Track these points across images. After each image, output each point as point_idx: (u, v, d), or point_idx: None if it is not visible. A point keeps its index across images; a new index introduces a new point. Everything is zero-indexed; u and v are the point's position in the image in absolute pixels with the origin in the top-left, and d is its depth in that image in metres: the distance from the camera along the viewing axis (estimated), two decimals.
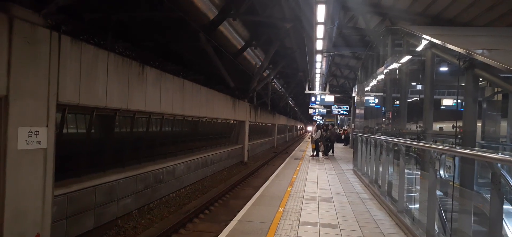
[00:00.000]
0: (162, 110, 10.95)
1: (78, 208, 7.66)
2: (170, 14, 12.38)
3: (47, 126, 6.20)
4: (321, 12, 8.08)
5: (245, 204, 7.75)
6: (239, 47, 17.72)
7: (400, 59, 8.65)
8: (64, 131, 8.00)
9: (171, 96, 11.45)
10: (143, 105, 9.76)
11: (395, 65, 9.09)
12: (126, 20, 12.87)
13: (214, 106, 16.25)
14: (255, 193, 8.94)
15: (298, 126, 78.70)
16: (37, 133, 6.01)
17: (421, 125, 7.18)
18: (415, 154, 7.25)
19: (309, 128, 74.66)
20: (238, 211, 7.20)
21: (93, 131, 9.03)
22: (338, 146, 25.47)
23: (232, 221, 6.33)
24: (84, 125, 9.10)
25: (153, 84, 10.21)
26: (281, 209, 7.22)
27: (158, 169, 11.30)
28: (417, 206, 6.52)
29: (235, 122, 21.63)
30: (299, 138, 67.77)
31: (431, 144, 5.67)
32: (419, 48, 7.34)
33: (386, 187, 7.88)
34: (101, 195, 8.44)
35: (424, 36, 6.94)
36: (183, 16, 11.97)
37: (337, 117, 42.98)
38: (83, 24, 12.07)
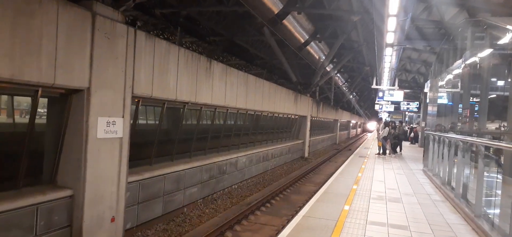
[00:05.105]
0: (227, 104, 11.18)
1: (149, 195, 8.09)
2: (237, 9, 12.58)
3: (123, 117, 6.61)
4: (393, 3, 7.61)
5: (306, 200, 7.69)
6: (303, 40, 17.49)
7: (481, 52, 7.96)
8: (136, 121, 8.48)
9: (235, 91, 11.65)
10: (210, 99, 10.03)
11: (474, 59, 8.38)
12: (194, 15, 13.29)
13: (276, 101, 16.25)
14: (317, 189, 8.84)
15: (362, 123, 76.15)
16: (114, 123, 6.43)
17: (505, 125, 6.55)
18: (495, 155, 6.66)
19: (371, 126, 71.54)
20: (299, 207, 7.17)
21: (163, 122, 9.47)
22: (405, 145, 24.28)
23: (296, 216, 6.30)
24: (153, 116, 9.55)
25: (219, 79, 10.45)
26: (346, 207, 7.04)
27: (222, 161, 11.58)
28: (497, 211, 5.99)
29: (296, 117, 21.49)
30: (363, 135, 65.69)
31: None
32: (505, 41, 6.68)
33: (461, 190, 7.33)
34: (169, 184, 8.85)
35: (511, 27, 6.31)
36: (249, 10, 12.08)
37: (405, 115, 40.77)
38: (155, 19, 12.69)
